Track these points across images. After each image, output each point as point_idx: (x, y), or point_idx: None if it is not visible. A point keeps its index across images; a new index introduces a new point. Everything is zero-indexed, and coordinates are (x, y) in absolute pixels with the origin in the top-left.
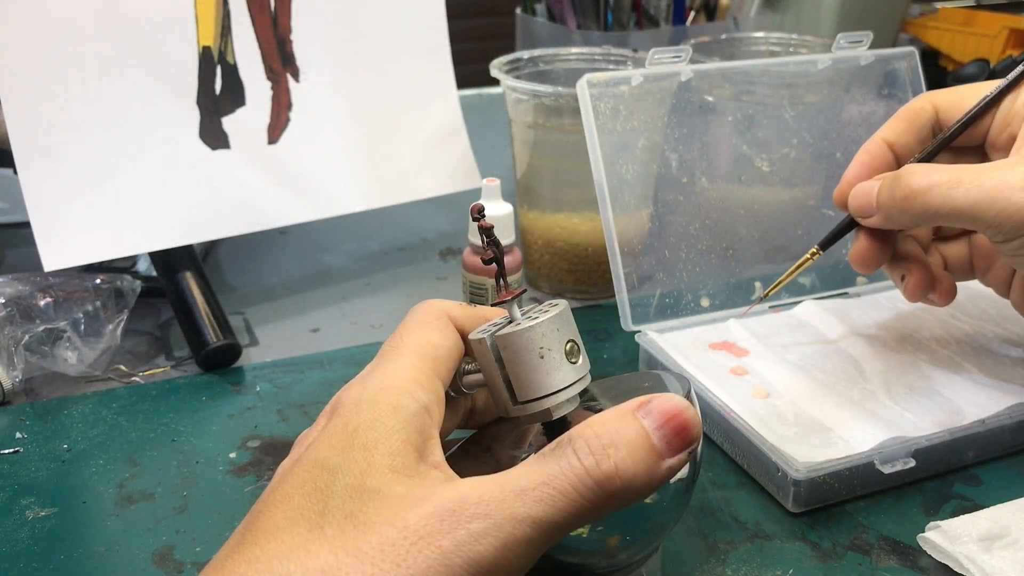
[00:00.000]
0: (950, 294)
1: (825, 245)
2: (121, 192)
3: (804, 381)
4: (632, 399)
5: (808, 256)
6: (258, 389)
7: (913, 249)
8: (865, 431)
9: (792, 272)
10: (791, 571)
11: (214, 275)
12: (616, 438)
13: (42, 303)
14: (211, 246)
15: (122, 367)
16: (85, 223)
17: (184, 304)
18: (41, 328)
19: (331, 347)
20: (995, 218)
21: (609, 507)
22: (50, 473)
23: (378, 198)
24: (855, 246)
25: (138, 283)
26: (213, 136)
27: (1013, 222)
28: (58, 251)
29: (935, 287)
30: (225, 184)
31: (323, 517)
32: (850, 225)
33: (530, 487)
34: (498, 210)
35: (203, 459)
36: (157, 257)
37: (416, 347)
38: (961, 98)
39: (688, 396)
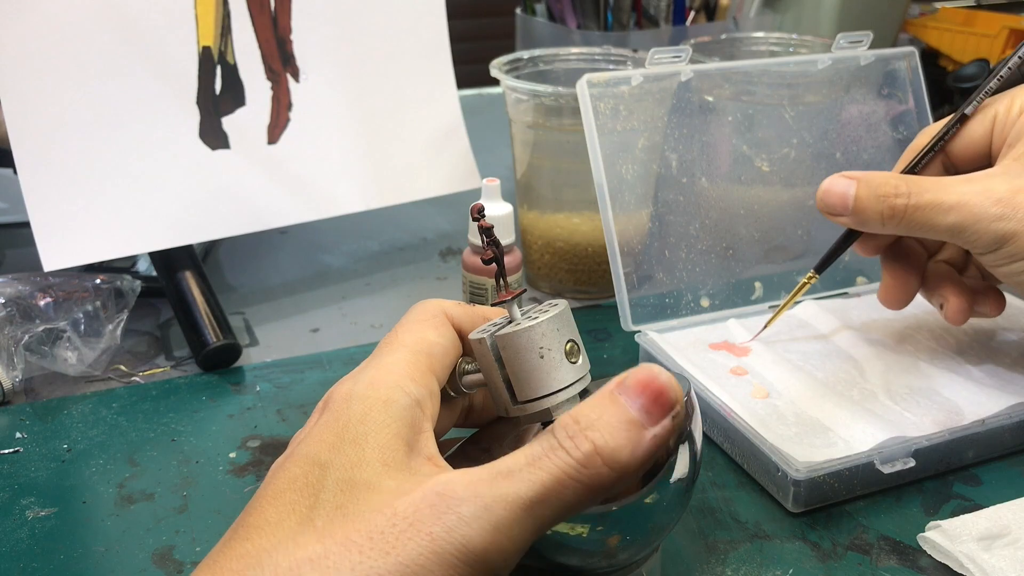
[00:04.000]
0: (999, 303)
1: (820, 269)
2: (121, 192)
3: (804, 381)
4: (611, 380)
5: (805, 280)
6: (258, 389)
7: (946, 272)
8: (865, 431)
9: (791, 298)
10: (791, 571)
11: (214, 275)
12: (594, 419)
13: (42, 303)
14: (211, 246)
15: (122, 367)
16: (85, 223)
17: (184, 304)
18: (41, 328)
19: (331, 347)
20: (969, 237)
21: (599, 486)
22: (50, 473)
23: (378, 198)
24: (881, 287)
25: (138, 283)
26: (213, 136)
27: (984, 242)
28: (58, 251)
29: (980, 300)
30: (225, 184)
31: (313, 511)
32: (843, 246)
33: (516, 468)
34: (498, 210)
35: (203, 459)
36: (157, 257)
37: (411, 343)
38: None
39: (688, 396)
